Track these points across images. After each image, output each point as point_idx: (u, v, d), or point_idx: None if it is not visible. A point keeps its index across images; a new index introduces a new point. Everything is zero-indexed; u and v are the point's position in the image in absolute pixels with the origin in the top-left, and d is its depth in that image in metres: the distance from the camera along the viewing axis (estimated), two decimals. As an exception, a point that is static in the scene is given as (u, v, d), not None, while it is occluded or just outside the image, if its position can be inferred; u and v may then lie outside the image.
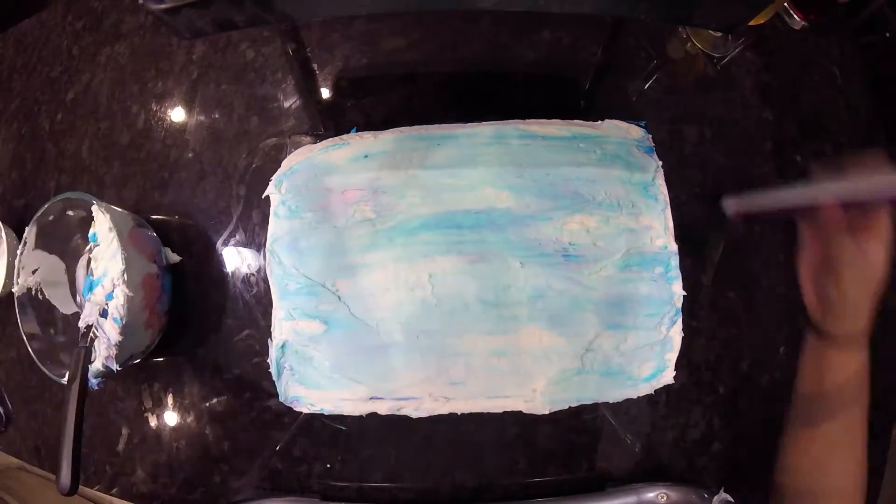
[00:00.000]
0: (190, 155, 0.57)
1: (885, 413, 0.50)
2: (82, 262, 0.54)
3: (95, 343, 0.47)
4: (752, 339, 0.51)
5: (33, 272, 0.52)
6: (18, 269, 0.50)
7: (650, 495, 0.46)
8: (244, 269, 0.54)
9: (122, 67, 0.60)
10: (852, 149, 0.55)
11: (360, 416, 0.45)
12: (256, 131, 0.56)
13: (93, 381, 0.47)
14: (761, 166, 0.54)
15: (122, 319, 0.45)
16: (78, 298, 0.54)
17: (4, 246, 0.54)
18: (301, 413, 0.51)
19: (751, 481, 0.50)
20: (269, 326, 0.52)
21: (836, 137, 0.55)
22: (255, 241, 0.54)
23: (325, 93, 0.57)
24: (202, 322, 0.53)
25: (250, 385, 0.52)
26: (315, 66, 0.56)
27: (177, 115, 0.58)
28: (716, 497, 0.45)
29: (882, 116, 0.57)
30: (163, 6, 0.29)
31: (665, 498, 0.46)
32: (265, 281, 0.53)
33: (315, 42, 0.57)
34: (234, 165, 0.56)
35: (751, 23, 0.43)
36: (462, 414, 0.44)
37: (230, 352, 0.52)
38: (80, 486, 0.53)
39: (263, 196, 0.47)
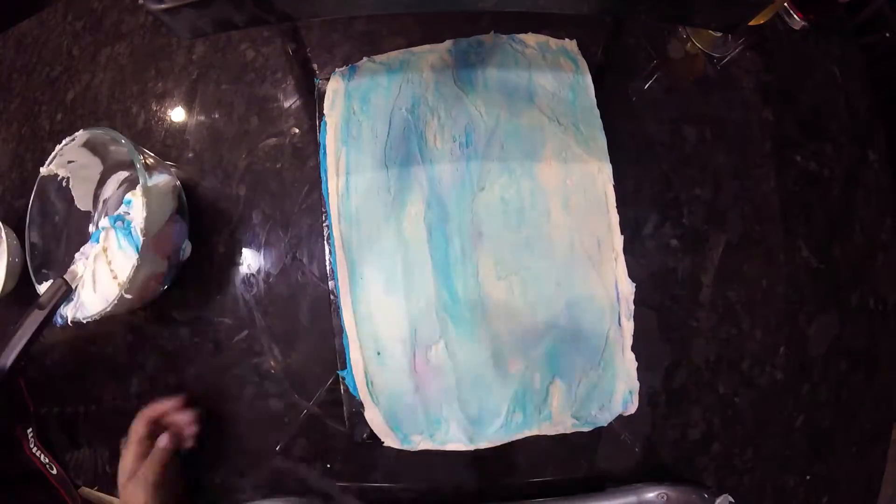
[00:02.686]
0: (190, 155, 0.57)
1: (885, 413, 0.50)
2: (117, 176, 0.55)
3: (76, 291, 0.48)
4: (752, 339, 0.51)
5: (69, 162, 0.52)
6: (56, 154, 0.50)
7: (650, 495, 0.46)
8: (244, 270, 0.54)
9: (122, 67, 0.60)
10: (852, 149, 0.55)
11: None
12: (256, 131, 0.56)
13: (58, 319, 0.47)
14: (761, 166, 0.54)
15: (108, 306, 0.45)
16: (97, 209, 0.55)
17: (4, 246, 0.54)
18: (301, 413, 0.51)
19: (751, 481, 0.50)
20: (269, 326, 0.52)
21: (836, 137, 0.55)
22: (256, 241, 0.54)
23: (325, 93, 0.57)
24: (202, 322, 0.53)
25: (250, 385, 0.52)
26: (315, 66, 0.56)
27: (177, 115, 0.58)
28: (718, 500, 0.45)
29: (882, 116, 0.57)
30: (163, 6, 0.29)
31: (665, 498, 0.46)
32: (265, 281, 0.53)
33: (315, 42, 0.57)
34: (234, 165, 0.56)
35: (751, 23, 0.43)
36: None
37: (230, 352, 0.53)
38: (83, 488, 0.53)
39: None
